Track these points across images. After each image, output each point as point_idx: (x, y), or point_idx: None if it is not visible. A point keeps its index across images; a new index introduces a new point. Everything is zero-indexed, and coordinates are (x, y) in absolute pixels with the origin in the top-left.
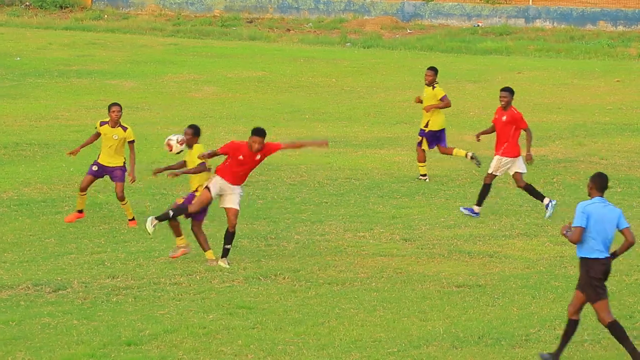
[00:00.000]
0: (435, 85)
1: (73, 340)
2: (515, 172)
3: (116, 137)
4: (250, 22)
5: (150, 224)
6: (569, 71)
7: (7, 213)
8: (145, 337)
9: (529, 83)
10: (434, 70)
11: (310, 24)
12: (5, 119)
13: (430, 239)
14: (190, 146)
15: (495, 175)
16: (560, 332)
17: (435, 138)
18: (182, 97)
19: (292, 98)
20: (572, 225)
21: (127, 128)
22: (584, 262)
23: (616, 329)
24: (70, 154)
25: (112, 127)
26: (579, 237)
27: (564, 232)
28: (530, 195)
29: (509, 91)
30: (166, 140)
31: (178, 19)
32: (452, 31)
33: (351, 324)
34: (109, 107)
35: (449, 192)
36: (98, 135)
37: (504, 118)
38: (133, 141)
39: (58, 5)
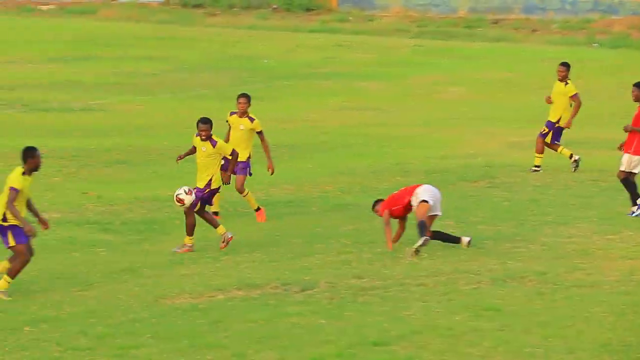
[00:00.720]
0: (567, 81)
1: (320, 339)
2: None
3: (242, 128)
4: (495, 23)
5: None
6: None
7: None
8: (391, 337)
9: None
10: (566, 66)
11: (556, 24)
12: None
13: None
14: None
15: (630, 172)
16: None
17: (559, 134)
18: (428, 98)
19: (539, 99)
20: None
21: (254, 119)
22: None
23: None
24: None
25: (239, 117)
26: None
27: None
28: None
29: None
30: (175, 196)
31: (423, 20)
32: None
33: (600, 327)
34: (237, 97)
35: None
36: (229, 128)
37: None
38: (261, 132)
39: (305, 8)
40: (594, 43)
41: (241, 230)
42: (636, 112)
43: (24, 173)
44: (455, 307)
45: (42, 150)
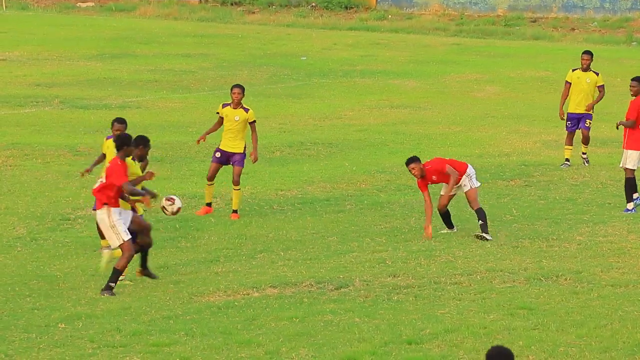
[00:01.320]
0: (595, 71)
1: (355, 337)
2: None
3: (237, 119)
4: (534, 21)
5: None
6: None
7: (292, 211)
8: (425, 336)
9: None
10: (590, 54)
11: (595, 23)
12: (291, 118)
13: None
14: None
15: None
16: None
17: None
18: (464, 96)
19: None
20: None
21: (248, 109)
22: None
23: None
24: (199, 140)
25: (233, 108)
26: None
27: None
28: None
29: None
30: (161, 206)
31: (461, 18)
32: None
33: (635, 326)
34: (231, 88)
35: None
36: (221, 120)
37: None
38: (254, 122)
39: (343, 6)
40: (633, 42)
41: (276, 228)
42: (629, 107)
43: (133, 158)
44: (490, 306)
45: (79, 148)
